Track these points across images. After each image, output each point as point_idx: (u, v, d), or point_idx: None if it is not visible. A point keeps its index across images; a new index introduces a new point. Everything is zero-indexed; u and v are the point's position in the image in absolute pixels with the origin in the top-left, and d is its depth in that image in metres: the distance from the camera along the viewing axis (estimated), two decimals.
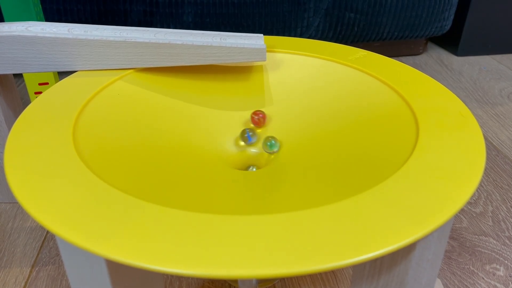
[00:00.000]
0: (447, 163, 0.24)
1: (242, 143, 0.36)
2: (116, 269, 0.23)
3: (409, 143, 0.27)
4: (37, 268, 0.43)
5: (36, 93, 0.58)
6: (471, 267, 0.43)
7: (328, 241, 0.19)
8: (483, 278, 0.42)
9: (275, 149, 0.35)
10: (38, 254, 0.44)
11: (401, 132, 0.29)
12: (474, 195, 0.53)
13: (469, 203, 0.52)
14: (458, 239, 0.46)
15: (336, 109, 0.36)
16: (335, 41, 0.86)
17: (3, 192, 0.51)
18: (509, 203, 0.52)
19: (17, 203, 0.51)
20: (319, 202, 0.25)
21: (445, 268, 0.43)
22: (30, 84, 0.58)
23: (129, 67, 0.37)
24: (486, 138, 0.65)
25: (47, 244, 0.45)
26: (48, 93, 0.33)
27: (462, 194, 0.22)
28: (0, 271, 0.42)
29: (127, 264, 0.19)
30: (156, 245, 0.19)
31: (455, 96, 0.32)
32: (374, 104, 0.34)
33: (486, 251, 0.45)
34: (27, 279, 0.41)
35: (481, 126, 0.68)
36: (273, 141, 0.35)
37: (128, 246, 0.19)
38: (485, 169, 0.58)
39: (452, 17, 0.87)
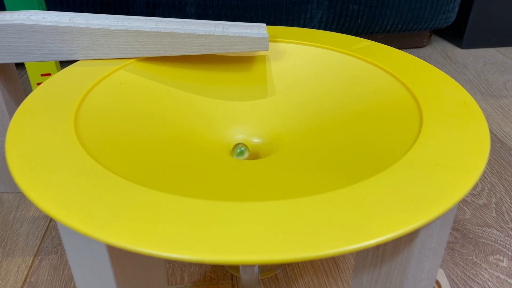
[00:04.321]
0: (451, 151, 0.24)
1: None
2: (117, 255, 0.23)
3: (412, 131, 0.27)
4: (39, 257, 0.43)
5: (38, 84, 0.58)
6: (474, 258, 0.43)
7: (331, 227, 0.19)
8: (486, 269, 0.42)
9: (243, 157, 0.34)
10: (40, 244, 0.44)
11: (404, 120, 0.29)
12: (477, 186, 0.53)
13: (472, 194, 0.52)
14: (462, 231, 0.46)
15: (339, 98, 0.35)
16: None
17: (6, 182, 0.51)
18: None
19: (20, 193, 0.51)
20: (322, 189, 0.25)
21: (448, 259, 0.43)
22: (33, 75, 0.58)
23: (131, 56, 0.37)
24: (490, 131, 0.65)
25: (49, 234, 0.45)
26: (50, 82, 0.32)
27: (465, 182, 0.22)
28: (3, 260, 0.42)
29: (128, 250, 0.19)
30: (157, 231, 0.19)
31: (459, 85, 0.31)
32: (377, 93, 0.33)
33: (489, 242, 0.45)
34: (30, 268, 0.42)
35: (485, 119, 0.68)
36: (243, 148, 0.34)
37: (129, 231, 0.19)
38: (489, 161, 0.58)
39: (456, 9, 0.86)
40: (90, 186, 0.22)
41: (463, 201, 0.51)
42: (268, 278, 0.41)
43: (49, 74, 0.58)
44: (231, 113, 0.37)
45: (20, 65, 0.87)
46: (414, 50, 0.95)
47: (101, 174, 0.23)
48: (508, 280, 0.40)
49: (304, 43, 0.40)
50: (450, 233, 0.46)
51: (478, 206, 0.50)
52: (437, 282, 0.38)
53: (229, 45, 0.36)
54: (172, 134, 0.33)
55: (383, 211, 0.20)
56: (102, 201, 0.21)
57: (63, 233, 0.23)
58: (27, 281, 0.40)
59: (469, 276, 0.41)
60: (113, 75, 0.34)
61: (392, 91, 0.32)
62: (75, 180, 0.22)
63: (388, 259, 0.26)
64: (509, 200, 0.51)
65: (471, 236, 0.46)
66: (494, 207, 0.50)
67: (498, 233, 0.46)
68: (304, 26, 0.81)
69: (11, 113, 0.47)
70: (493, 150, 0.60)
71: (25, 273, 0.41)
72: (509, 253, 0.43)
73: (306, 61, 0.39)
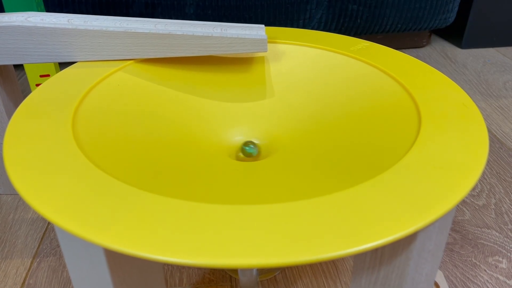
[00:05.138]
0: (449, 153, 0.24)
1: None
2: (115, 259, 0.23)
3: (411, 133, 0.27)
4: (38, 259, 0.43)
5: (37, 85, 0.58)
6: (473, 259, 0.43)
7: (329, 230, 0.19)
8: (485, 271, 0.42)
9: (253, 154, 0.34)
10: (39, 245, 0.44)
11: (403, 122, 0.29)
12: (477, 187, 0.53)
13: (472, 195, 0.52)
14: (461, 232, 0.46)
15: (338, 100, 0.35)
16: (338, 33, 0.85)
17: (5, 184, 0.51)
18: None
19: (19, 194, 0.51)
20: (320, 192, 0.25)
21: (447, 260, 0.43)
22: (31, 76, 0.57)
23: (129, 58, 0.37)
24: (489, 131, 0.65)
25: (48, 235, 0.45)
26: (48, 84, 0.32)
27: (464, 184, 0.22)
28: (1, 262, 0.42)
29: (126, 253, 0.18)
30: (155, 234, 0.19)
31: (458, 86, 0.31)
32: (376, 95, 0.33)
33: (488, 244, 0.45)
34: (28, 270, 0.41)
35: (485, 119, 0.68)
36: (251, 146, 0.34)
37: (127, 235, 0.19)
38: (489, 161, 0.58)
39: (456, 9, 0.86)
40: (88, 189, 0.22)
41: (462, 202, 0.50)
42: (267, 280, 0.41)
43: (48, 75, 0.58)
44: (230, 115, 0.37)
45: (19, 66, 0.87)
46: (414, 50, 0.95)
47: (99, 177, 0.22)
48: (508, 281, 0.40)
49: (303, 44, 0.40)
50: (449, 234, 0.46)
51: (477, 207, 0.50)
52: (436, 284, 0.38)
53: (227, 46, 0.36)
54: (170, 136, 0.33)
55: (381, 214, 0.20)
56: (99, 204, 0.21)
57: (61, 236, 0.23)
58: (26, 283, 0.40)
59: (468, 278, 0.41)
60: (111, 76, 0.34)
61: (390, 93, 0.32)
62: (73, 182, 0.22)
63: (386, 261, 0.26)
64: (508, 201, 0.50)
65: (470, 237, 0.45)
66: (493, 208, 0.49)
67: (497, 234, 0.46)
68: (304, 26, 0.81)
69: (9, 114, 0.47)
70: (492, 151, 0.60)
71: (24, 275, 0.41)
72: (509, 254, 0.43)
73: (305, 62, 0.39)
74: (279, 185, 0.28)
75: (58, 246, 0.44)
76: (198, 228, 0.19)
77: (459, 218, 0.48)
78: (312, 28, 0.82)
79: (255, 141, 0.36)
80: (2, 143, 0.48)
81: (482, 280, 0.41)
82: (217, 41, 0.36)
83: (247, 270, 0.34)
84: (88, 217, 0.20)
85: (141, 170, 0.27)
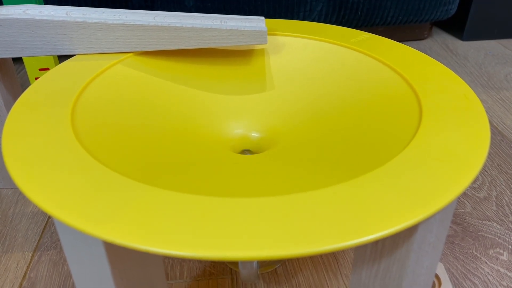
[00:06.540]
0: (451, 146, 0.24)
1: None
2: (115, 252, 0.23)
3: (412, 125, 0.27)
4: (38, 253, 0.43)
5: (36, 78, 0.58)
6: (474, 251, 0.43)
7: (330, 222, 0.19)
8: (486, 263, 0.42)
9: None
10: (39, 239, 0.44)
11: (404, 114, 0.29)
12: (478, 180, 0.53)
13: (473, 188, 0.51)
14: (462, 224, 0.46)
15: (338, 92, 0.35)
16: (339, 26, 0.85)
17: (5, 178, 0.51)
18: None
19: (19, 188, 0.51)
20: (321, 184, 0.25)
21: (448, 252, 0.43)
22: (31, 69, 0.57)
23: (128, 50, 0.36)
24: (491, 123, 0.64)
25: (48, 229, 0.45)
26: (47, 77, 0.32)
27: (464, 177, 0.22)
28: (2, 256, 0.42)
29: (125, 246, 0.18)
30: (154, 227, 0.19)
31: (460, 78, 0.31)
32: (377, 87, 0.33)
33: (489, 236, 0.45)
34: (29, 264, 0.42)
35: (486, 111, 0.68)
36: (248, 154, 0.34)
37: (126, 228, 0.19)
38: (490, 154, 0.58)
39: (457, 1, 0.85)
40: (87, 182, 0.22)
41: (464, 194, 0.50)
42: (268, 272, 0.41)
43: (47, 69, 0.57)
44: (229, 107, 0.37)
45: (19, 60, 0.86)
46: (415, 42, 0.95)
47: (98, 170, 0.22)
48: (508, 273, 0.40)
49: (303, 36, 0.39)
50: (450, 227, 0.46)
51: (478, 200, 0.50)
52: (437, 276, 0.38)
53: (227, 38, 0.36)
54: (170, 129, 0.33)
55: (382, 206, 0.20)
56: (98, 197, 0.21)
57: (60, 230, 0.23)
58: (27, 276, 0.40)
59: (469, 270, 0.41)
60: (110, 69, 0.34)
61: (391, 85, 0.32)
62: (72, 176, 0.22)
63: (387, 254, 0.26)
64: (509, 193, 0.50)
65: (471, 230, 0.45)
66: (494, 201, 0.49)
67: (498, 226, 0.46)
68: (304, 18, 0.81)
69: (8, 108, 0.47)
70: (493, 143, 0.60)
71: (24, 268, 0.41)
72: (509, 246, 0.43)
73: (305, 54, 0.39)
74: (279, 177, 0.28)
75: (59, 239, 0.44)
76: (198, 220, 0.19)
77: (460, 210, 0.48)
78: (313, 20, 0.82)
79: (254, 137, 0.36)
80: (1, 137, 0.48)
81: (483, 272, 0.41)
82: (216, 33, 0.35)
83: (247, 263, 0.34)
84: (88, 210, 0.20)
85: (140, 163, 0.27)
